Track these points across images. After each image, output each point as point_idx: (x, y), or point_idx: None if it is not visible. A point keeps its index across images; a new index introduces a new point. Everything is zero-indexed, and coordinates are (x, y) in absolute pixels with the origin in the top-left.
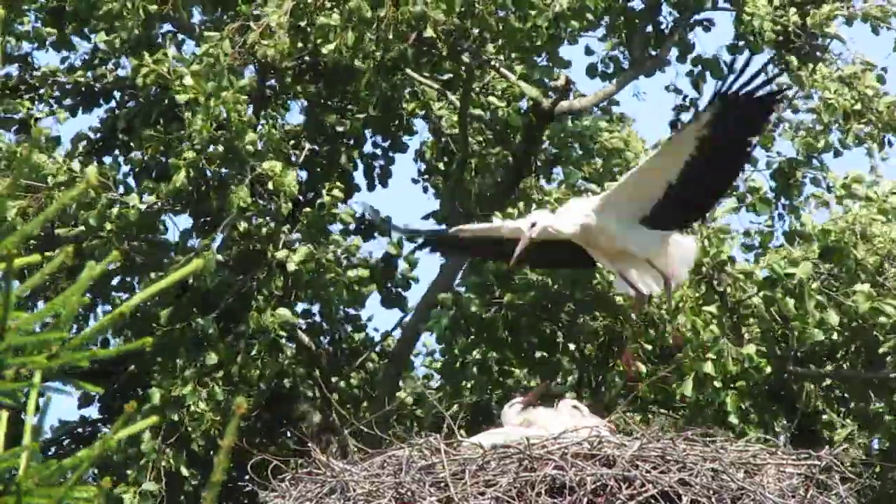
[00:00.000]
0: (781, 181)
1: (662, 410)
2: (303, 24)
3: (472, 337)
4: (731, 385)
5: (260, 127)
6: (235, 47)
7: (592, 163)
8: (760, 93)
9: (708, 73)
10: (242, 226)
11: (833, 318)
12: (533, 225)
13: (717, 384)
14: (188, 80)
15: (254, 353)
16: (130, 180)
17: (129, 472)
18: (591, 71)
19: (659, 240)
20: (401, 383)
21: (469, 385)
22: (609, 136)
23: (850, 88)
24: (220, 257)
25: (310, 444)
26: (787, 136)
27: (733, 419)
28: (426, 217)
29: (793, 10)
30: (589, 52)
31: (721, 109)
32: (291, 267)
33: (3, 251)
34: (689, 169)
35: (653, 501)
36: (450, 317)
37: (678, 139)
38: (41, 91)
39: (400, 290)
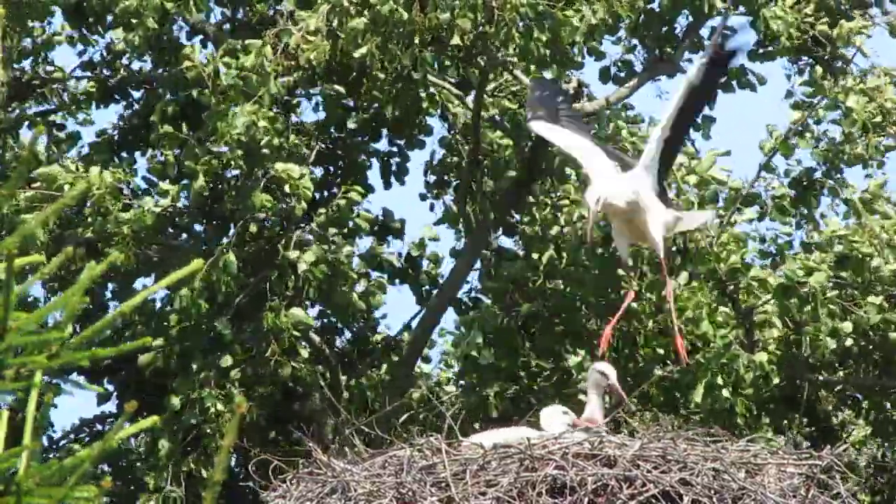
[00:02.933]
0: (799, 190)
1: (664, 413)
2: (335, 27)
3: (493, 349)
4: (740, 391)
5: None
6: (277, 53)
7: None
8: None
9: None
10: (253, 227)
11: (847, 326)
12: (598, 200)
13: (727, 392)
14: (227, 83)
15: (268, 354)
16: (149, 181)
17: (147, 479)
18: (605, 75)
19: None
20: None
21: (493, 400)
22: (629, 136)
23: (871, 101)
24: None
25: (310, 444)
26: (807, 145)
27: (740, 421)
28: (438, 223)
29: (824, 18)
30: (600, 55)
31: (709, 61)
32: (303, 267)
33: (3, 251)
34: (677, 119)
35: (654, 501)
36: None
37: (677, 94)
38: (57, 87)
39: (427, 288)
